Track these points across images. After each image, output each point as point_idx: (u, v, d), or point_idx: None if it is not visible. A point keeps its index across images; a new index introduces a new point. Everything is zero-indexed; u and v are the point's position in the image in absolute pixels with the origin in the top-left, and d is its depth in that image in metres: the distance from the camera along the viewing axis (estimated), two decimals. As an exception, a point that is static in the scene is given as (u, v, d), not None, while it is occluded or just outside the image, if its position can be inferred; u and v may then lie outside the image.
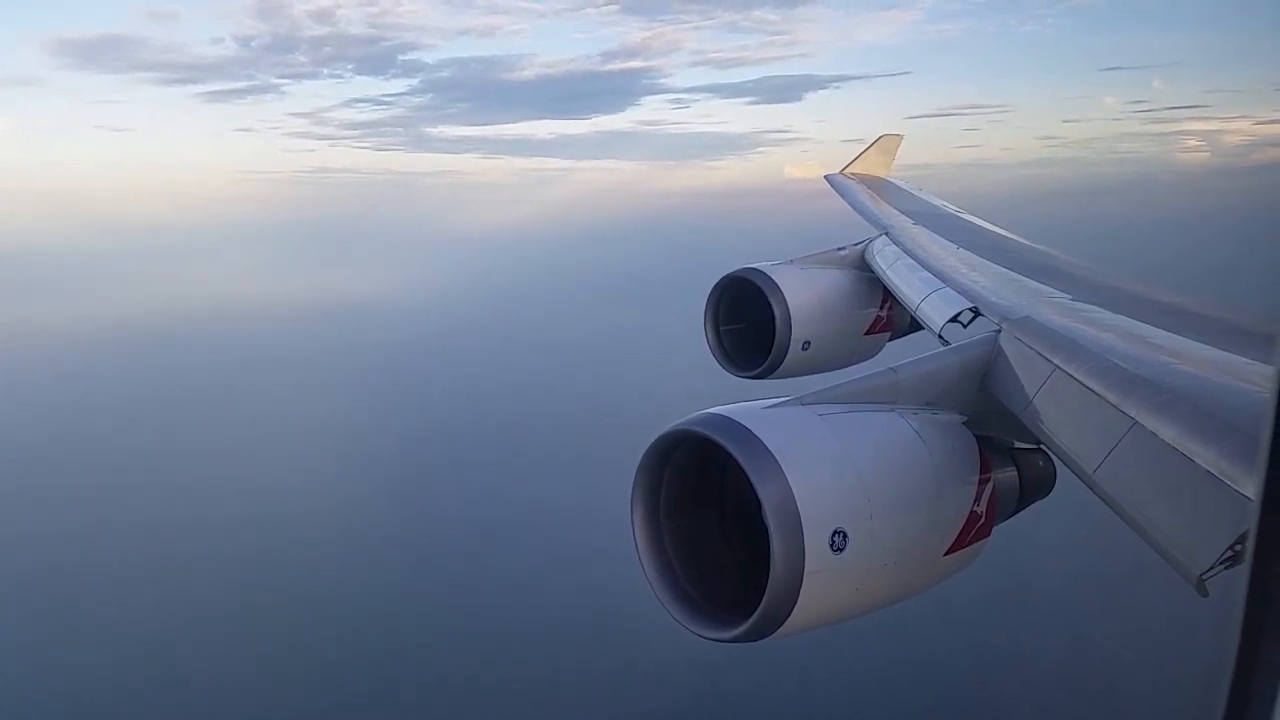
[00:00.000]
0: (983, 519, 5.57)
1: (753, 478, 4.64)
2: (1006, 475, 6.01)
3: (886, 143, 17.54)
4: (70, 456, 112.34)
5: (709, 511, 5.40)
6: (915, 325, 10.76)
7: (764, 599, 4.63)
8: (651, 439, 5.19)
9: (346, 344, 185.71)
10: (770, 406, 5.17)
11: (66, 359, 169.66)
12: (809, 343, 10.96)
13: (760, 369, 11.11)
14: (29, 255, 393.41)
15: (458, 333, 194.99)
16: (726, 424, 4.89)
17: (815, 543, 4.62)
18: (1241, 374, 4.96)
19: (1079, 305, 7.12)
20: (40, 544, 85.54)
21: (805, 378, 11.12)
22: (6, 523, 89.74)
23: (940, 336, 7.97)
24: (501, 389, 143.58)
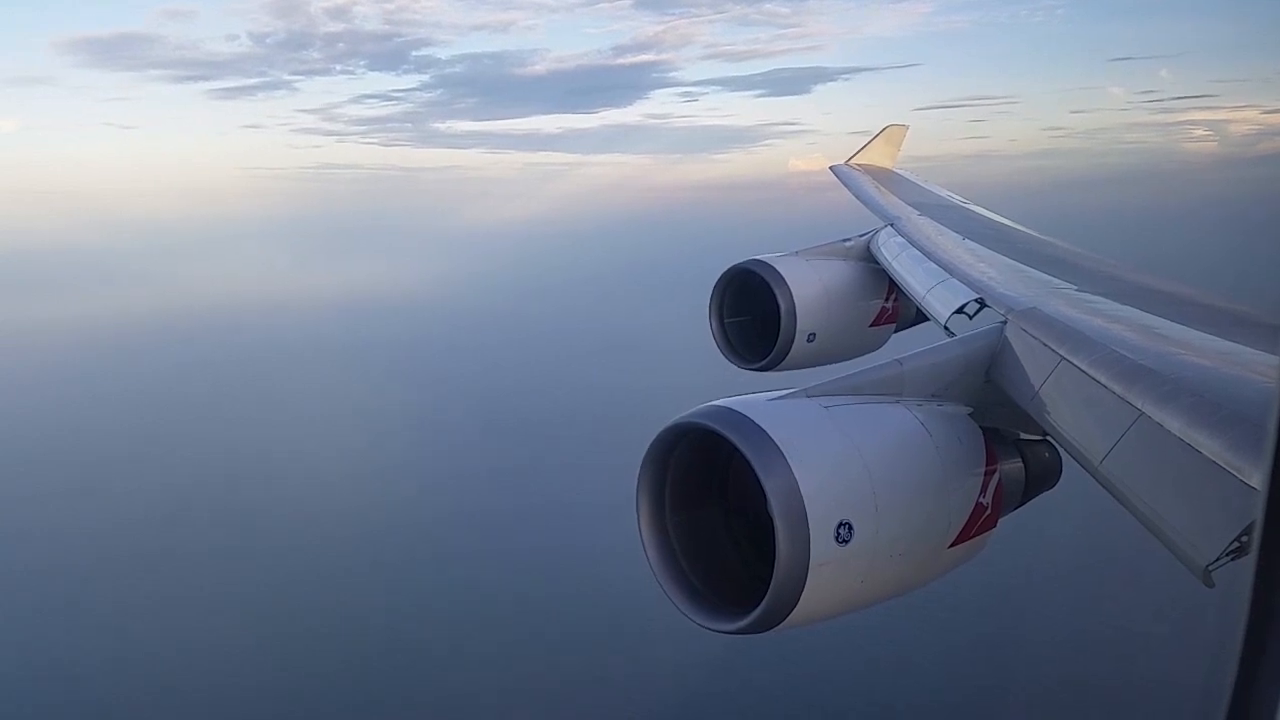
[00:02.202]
0: (988, 511, 5.56)
1: (758, 470, 4.64)
2: (1012, 467, 6.00)
3: (892, 134, 17.45)
4: (80, 454, 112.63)
5: (714, 504, 5.39)
6: (921, 317, 10.73)
7: (769, 591, 4.64)
8: (656, 432, 5.19)
9: (352, 340, 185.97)
10: (775, 399, 5.16)
11: (72, 356, 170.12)
12: (814, 335, 10.94)
13: (765, 361, 11.10)
14: (37, 253, 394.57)
15: (462, 328, 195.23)
16: (731, 416, 4.88)
17: (821, 535, 4.62)
18: (1248, 365, 4.95)
19: (1085, 296, 7.10)
20: (45, 544, 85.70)
21: (810, 370, 11.11)
22: (11, 522, 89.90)
23: (946, 328, 7.95)
24: (505, 383, 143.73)
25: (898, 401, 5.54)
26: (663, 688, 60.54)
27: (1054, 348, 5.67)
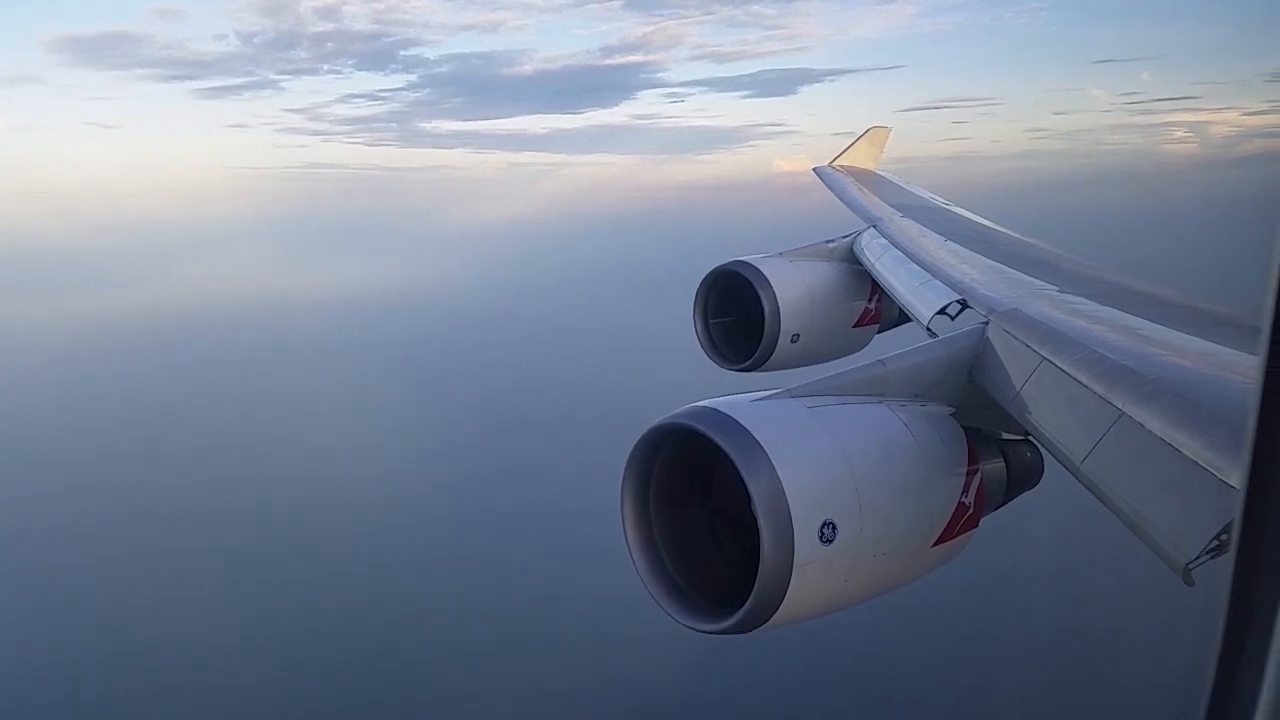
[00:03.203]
0: (971, 510, 5.59)
1: (742, 470, 4.64)
2: (994, 466, 6.04)
3: (875, 135, 17.50)
4: (77, 453, 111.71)
5: (699, 504, 5.40)
6: (904, 318, 10.78)
7: (754, 591, 4.64)
8: (641, 433, 5.19)
9: (342, 340, 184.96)
10: (759, 399, 5.17)
11: (61, 355, 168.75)
12: (798, 335, 10.97)
13: (749, 362, 11.13)
14: (24, 252, 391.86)
15: (452, 328, 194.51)
16: (716, 417, 4.89)
17: (805, 534, 4.63)
18: (1228, 365, 4.98)
19: (1067, 297, 7.14)
20: (45, 544, 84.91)
21: (794, 370, 11.14)
22: (11, 522, 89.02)
23: (928, 329, 7.99)
24: (497, 384, 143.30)
25: (881, 402, 5.57)
26: (660, 687, 60.53)
27: (1035, 348, 5.70)
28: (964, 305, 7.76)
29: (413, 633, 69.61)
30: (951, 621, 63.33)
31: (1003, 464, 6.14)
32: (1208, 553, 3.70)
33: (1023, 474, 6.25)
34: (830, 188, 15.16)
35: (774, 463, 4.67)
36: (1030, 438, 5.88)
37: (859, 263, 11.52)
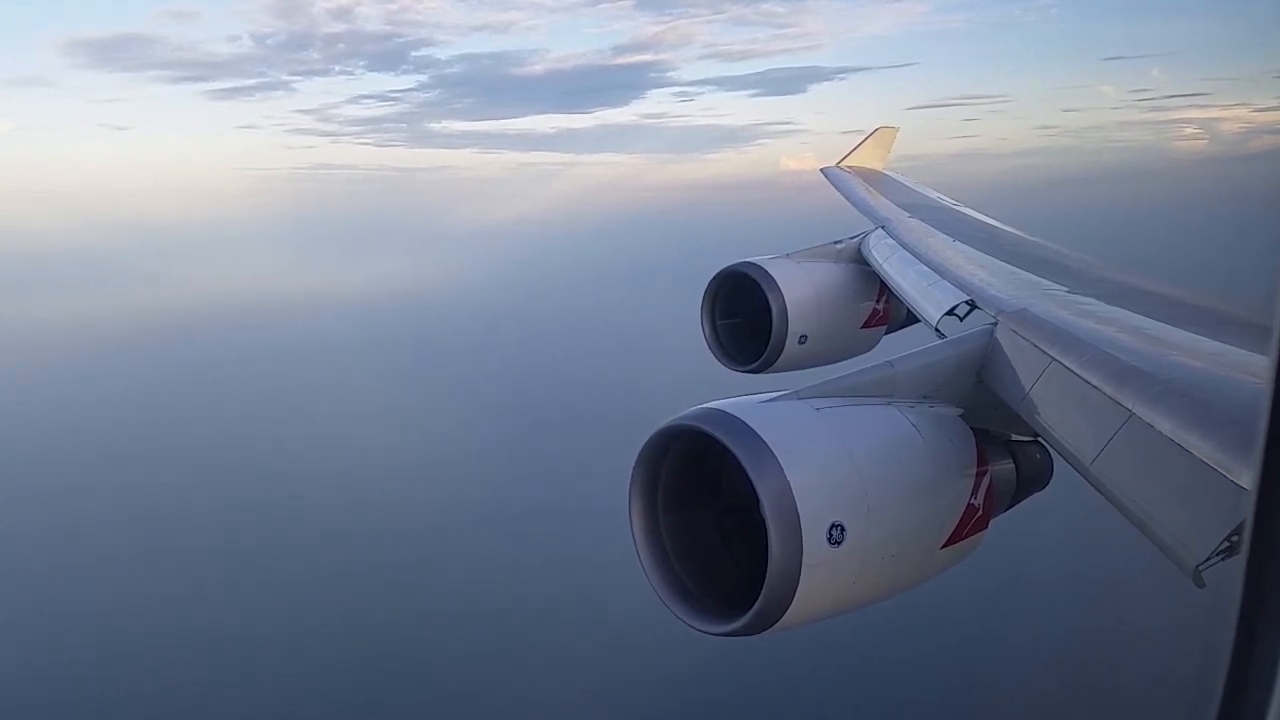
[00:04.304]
0: (980, 511, 5.57)
1: (750, 472, 4.64)
2: (1003, 468, 6.03)
3: (882, 135, 17.47)
4: (79, 453, 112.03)
5: (707, 506, 5.39)
6: (912, 318, 10.77)
7: (762, 593, 4.64)
8: (648, 434, 5.19)
9: (348, 340, 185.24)
10: (767, 401, 5.17)
11: (69, 356, 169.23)
12: (805, 337, 10.96)
13: (757, 363, 11.12)
14: (33, 253, 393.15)
15: (459, 329, 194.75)
16: (723, 419, 4.88)
17: (813, 536, 4.63)
18: (1238, 365, 4.96)
19: (1075, 298, 7.12)
20: (45, 544, 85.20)
21: (802, 371, 11.13)
22: (11, 522, 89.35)
23: (937, 330, 7.98)
24: (503, 383, 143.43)
25: (889, 403, 5.56)
26: (666, 689, 60.50)
27: (1044, 349, 5.69)
28: (972, 306, 7.74)
29: (414, 633, 69.69)
30: (959, 623, 63.17)
31: (1012, 465, 6.14)
32: (1218, 554, 3.69)
33: (1032, 475, 6.24)
34: (838, 189, 15.13)
35: (782, 464, 4.66)
36: (1039, 439, 5.87)
37: (867, 263, 11.50)
